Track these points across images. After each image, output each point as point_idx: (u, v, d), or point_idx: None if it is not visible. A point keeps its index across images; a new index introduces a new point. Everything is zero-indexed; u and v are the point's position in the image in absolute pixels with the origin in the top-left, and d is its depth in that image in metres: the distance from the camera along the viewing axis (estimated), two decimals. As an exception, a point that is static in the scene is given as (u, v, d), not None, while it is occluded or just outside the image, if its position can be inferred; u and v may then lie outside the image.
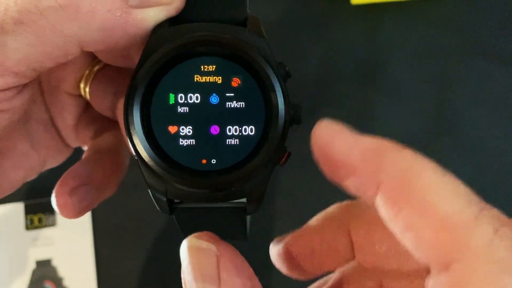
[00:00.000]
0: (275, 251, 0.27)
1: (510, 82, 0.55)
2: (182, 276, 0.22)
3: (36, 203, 0.53)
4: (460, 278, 0.16)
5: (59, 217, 0.53)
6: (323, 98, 0.56)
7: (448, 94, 0.55)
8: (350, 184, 0.19)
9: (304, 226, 0.26)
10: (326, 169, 0.20)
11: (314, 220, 0.27)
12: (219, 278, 0.21)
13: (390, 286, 0.24)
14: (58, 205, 0.27)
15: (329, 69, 0.56)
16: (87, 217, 0.54)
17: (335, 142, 0.19)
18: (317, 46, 0.56)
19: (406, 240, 0.17)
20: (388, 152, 0.18)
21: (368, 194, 0.18)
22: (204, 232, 0.22)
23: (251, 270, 0.22)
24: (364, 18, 0.57)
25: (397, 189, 0.17)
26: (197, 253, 0.21)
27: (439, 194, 0.17)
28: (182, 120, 0.24)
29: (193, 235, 0.22)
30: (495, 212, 0.17)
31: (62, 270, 0.53)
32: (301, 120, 0.25)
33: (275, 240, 0.27)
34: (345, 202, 0.26)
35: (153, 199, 0.25)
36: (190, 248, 0.22)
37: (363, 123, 0.55)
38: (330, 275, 0.27)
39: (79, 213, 0.27)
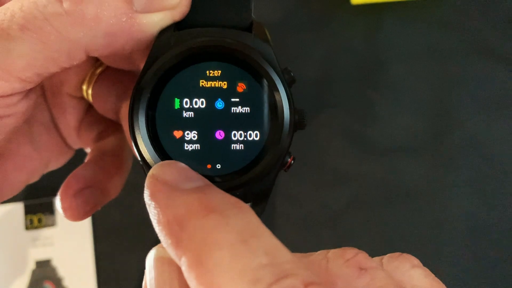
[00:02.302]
0: None
1: (510, 82, 0.55)
2: None
3: (36, 203, 0.53)
4: None
5: (59, 217, 0.53)
6: (323, 98, 0.56)
7: (448, 94, 0.55)
8: (162, 242, 0.18)
9: None
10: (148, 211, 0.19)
11: None
12: None
13: None
14: (63, 208, 0.27)
15: (329, 69, 0.56)
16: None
17: (154, 196, 0.19)
18: (317, 46, 0.56)
19: None
20: (190, 221, 0.17)
21: (176, 261, 0.18)
22: None
23: None
24: (364, 18, 0.57)
25: (191, 268, 0.16)
26: (167, 266, 0.19)
27: (226, 275, 0.15)
28: (187, 125, 0.24)
29: (159, 245, 0.20)
30: (286, 284, 0.15)
31: (62, 270, 0.53)
32: (305, 125, 0.25)
33: None
34: None
35: None
36: (157, 260, 0.19)
37: (363, 123, 0.55)
38: None
39: (83, 215, 0.27)
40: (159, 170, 0.20)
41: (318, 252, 0.20)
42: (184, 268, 0.16)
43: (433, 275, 0.19)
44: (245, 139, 0.24)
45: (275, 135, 0.24)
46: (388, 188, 0.54)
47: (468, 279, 0.51)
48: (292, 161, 0.25)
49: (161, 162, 0.21)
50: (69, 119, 0.30)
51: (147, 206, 0.19)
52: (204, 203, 0.17)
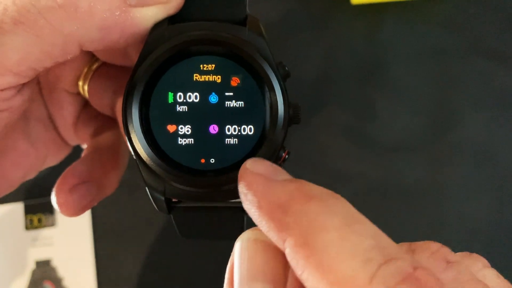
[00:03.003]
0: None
1: (510, 82, 0.55)
2: (228, 275, 0.20)
3: (35, 203, 0.53)
4: None
5: (59, 217, 0.53)
6: (323, 98, 0.56)
7: (448, 94, 0.55)
8: (260, 227, 0.19)
9: None
10: (243, 202, 0.20)
11: None
12: (285, 283, 0.18)
13: None
14: (58, 203, 0.27)
15: (329, 69, 0.56)
16: (87, 217, 0.54)
17: (251, 187, 0.19)
18: (317, 46, 0.56)
19: None
20: (293, 206, 0.18)
21: (278, 245, 0.18)
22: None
23: None
24: (364, 18, 0.57)
25: (298, 249, 0.17)
26: (264, 249, 0.19)
27: (337, 255, 0.16)
28: (181, 119, 0.24)
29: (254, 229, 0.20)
30: (397, 265, 0.16)
31: (62, 270, 0.53)
32: (300, 119, 0.25)
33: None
34: None
35: (151, 198, 0.25)
36: (252, 242, 0.19)
37: (363, 123, 0.55)
38: None
39: (79, 211, 0.27)
40: (252, 163, 0.20)
41: (400, 243, 0.20)
42: (289, 250, 0.17)
43: (502, 277, 0.20)
44: (239, 133, 0.24)
45: (269, 129, 0.24)
46: (387, 187, 0.54)
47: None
48: (287, 156, 0.25)
49: (252, 158, 0.21)
50: (66, 115, 0.30)
51: (242, 196, 0.20)
52: (303, 191, 0.18)
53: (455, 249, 0.20)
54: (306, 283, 0.16)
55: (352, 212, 0.17)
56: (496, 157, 0.54)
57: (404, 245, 0.20)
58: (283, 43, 0.56)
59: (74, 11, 0.21)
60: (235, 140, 0.24)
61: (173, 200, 0.25)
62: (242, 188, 0.20)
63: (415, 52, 0.56)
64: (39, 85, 0.29)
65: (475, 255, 0.21)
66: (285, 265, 0.18)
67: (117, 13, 0.22)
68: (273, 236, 0.18)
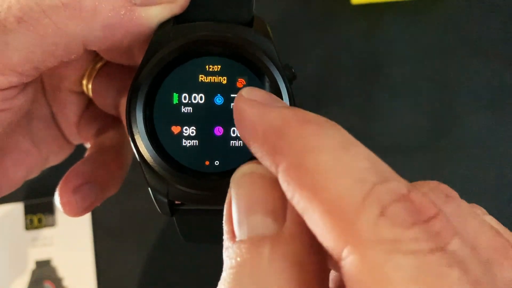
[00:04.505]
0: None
1: (510, 81, 0.55)
2: (227, 211, 0.19)
3: (36, 203, 0.53)
4: (354, 267, 0.14)
5: (59, 217, 0.53)
6: (323, 98, 0.56)
7: (448, 94, 0.55)
8: (254, 153, 0.18)
9: None
10: (238, 129, 0.19)
11: None
12: (284, 214, 0.17)
13: None
14: (62, 203, 0.27)
15: (329, 69, 0.56)
16: (87, 218, 0.53)
17: (246, 111, 0.18)
18: (317, 46, 0.56)
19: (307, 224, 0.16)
20: (288, 129, 0.17)
21: (272, 170, 0.17)
22: None
23: None
24: (364, 18, 0.57)
25: (290, 171, 0.16)
26: (260, 181, 0.18)
27: (330, 174, 0.15)
28: (186, 120, 0.23)
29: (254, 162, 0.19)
30: (392, 185, 0.15)
31: (62, 270, 0.53)
32: None
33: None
34: None
35: (154, 200, 0.24)
36: (248, 175, 0.18)
37: (363, 122, 0.55)
38: None
39: (82, 211, 0.27)
40: (248, 90, 0.19)
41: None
42: (281, 174, 0.16)
43: (501, 224, 0.19)
44: None
45: None
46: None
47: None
48: None
49: (248, 87, 0.20)
50: (69, 114, 0.30)
51: (237, 123, 0.19)
52: (299, 116, 0.17)
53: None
54: (297, 206, 0.16)
55: (348, 137, 0.17)
56: (497, 157, 0.54)
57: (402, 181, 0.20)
58: (283, 43, 0.56)
59: (78, 10, 0.21)
60: (240, 143, 0.24)
61: (176, 202, 0.25)
62: (237, 115, 0.19)
63: (415, 52, 0.56)
64: (42, 84, 0.29)
65: (474, 204, 0.20)
66: (283, 196, 0.17)
67: (122, 12, 0.22)
68: (267, 162, 0.17)
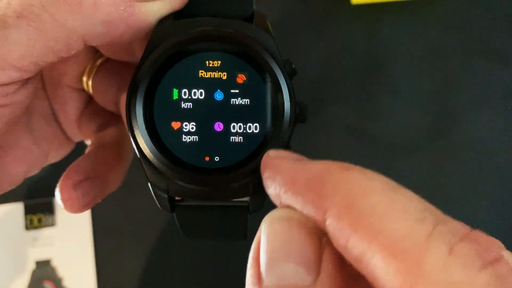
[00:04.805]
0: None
1: (510, 81, 0.55)
2: (254, 254, 0.18)
3: (36, 203, 0.53)
4: None
5: (59, 217, 0.53)
6: (323, 97, 0.56)
7: (448, 94, 0.55)
8: (292, 204, 0.18)
9: None
10: (270, 185, 0.19)
11: None
12: (319, 266, 0.17)
13: None
14: (63, 199, 0.27)
15: (329, 69, 0.56)
16: (87, 217, 0.53)
17: (282, 166, 0.19)
18: (317, 46, 0.56)
19: (363, 271, 0.15)
20: (332, 175, 0.17)
21: (316, 218, 0.17)
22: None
23: None
24: (364, 18, 0.57)
25: (341, 216, 0.16)
26: (298, 228, 0.17)
27: (387, 216, 0.15)
28: (186, 116, 0.23)
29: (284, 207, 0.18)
30: (452, 225, 0.15)
31: (62, 270, 0.53)
32: (306, 118, 0.24)
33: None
34: None
35: (154, 196, 0.24)
36: (284, 220, 0.18)
37: (363, 122, 0.55)
38: None
39: (83, 208, 0.27)
40: (276, 152, 0.20)
41: None
42: (332, 219, 0.16)
43: None
44: (245, 131, 0.23)
45: (275, 127, 0.23)
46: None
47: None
48: None
49: (274, 149, 0.21)
50: (69, 111, 0.30)
51: (268, 181, 0.19)
52: (339, 164, 0.17)
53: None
54: (352, 252, 0.15)
55: (390, 180, 0.17)
56: (497, 157, 0.54)
57: None
58: (283, 42, 0.56)
59: (78, 5, 0.21)
60: (240, 138, 0.23)
61: (176, 198, 0.25)
62: (269, 173, 0.19)
63: (415, 52, 0.56)
64: (42, 80, 0.29)
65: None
66: (319, 247, 0.16)
67: (121, 8, 0.22)
68: (310, 210, 0.17)
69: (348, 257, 0.16)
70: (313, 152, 0.57)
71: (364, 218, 0.15)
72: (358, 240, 0.15)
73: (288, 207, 0.18)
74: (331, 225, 0.16)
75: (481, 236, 0.15)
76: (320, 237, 0.17)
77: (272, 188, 0.19)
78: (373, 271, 0.15)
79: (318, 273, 0.16)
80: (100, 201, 0.28)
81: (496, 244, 0.15)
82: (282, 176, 0.18)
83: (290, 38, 0.56)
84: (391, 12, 0.57)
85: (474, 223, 0.50)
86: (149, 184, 0.24)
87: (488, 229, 0.52)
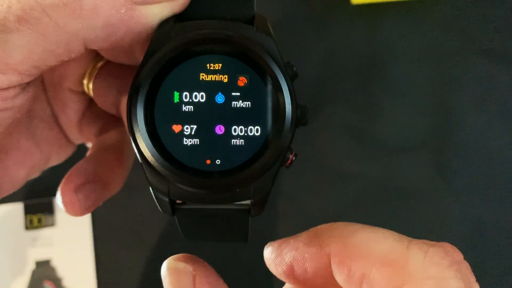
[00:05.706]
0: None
1: (510, 82, 0.55)
2: None
3: (35, 203, 0.53)
4: None
5: (59, 218, 0.53)
6: (323, 97, 0.56)
7: (448, 94, 0.55)
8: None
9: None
10: (274, 264, 0.24)
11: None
12: None
13: None
14: (64, 202, 0.27)
15: (329, 69, 0.56)
16: (87, 217, 0.53)
17: (283, 252, 0.23)
18: (317, 46, 0.56)
19: (364, 286, 0.20)
20: (325, 230, 0.22)
21: (323, 261, 0.22)
22: (181, 254, 0.25)
23: (225, 286, 0.24)
24: (364, 18, 0.57)
25: (342, 252, 0.21)
26: (175, 273, 0.24)
27: (373, 242, 0.21)
28: (187, 119, 0.23)
29: (171, 257, 0.25)
30: (422, 240, 0.20)
31: (62, 270, 0.53)
32: (307, 121, 0.24)
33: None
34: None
35: (155, 199, 0.24)
36: (169, 269, 0.24)
37: (363, 122, 0.55)
38: None
39: (85, 211, 0.27)
40: (272, 243, 0.24)
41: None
42: (334, 257, 0.21)
43: None
44: (246, 134, 0.23)
45: (276, 130, 0.23)
46: (389, 187, 0.54)
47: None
48: (294, 158, 0.24)
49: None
50: (70, 114, 0.29)
51: (272, 262, 0.24)
52: (325, 224, 0.23)
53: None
54: (355, 275, 0.21)
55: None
56: (497, 157, 0.54)
57: None
58: (283, 43, 0.56)
59: (78, 9, 0.21)
60: (241, 141, 0.23)
61: (177, 201, 0.24)
62: (272, 254, 0.24)
63: (415, 52, 0.56)
64: (43, 84, 0.29)
65: None
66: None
67: (122, 11, 0.22)
68: (315, 255, 0.22)
69: (350, 282, 0.21)
70: (311, 153, 0.57)
71: (357, 248, 0.21)
72: (360, 263, 0.21)
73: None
74: (335, 261, 0.21)
75: (446, 244, 0.20)
76: (192, 274, 0.24)
77: (277, 269, 0.24)
78: (372, 282, 0.20)
79: None
80: (101, 204, 0.28)
81: (458, 251, 0.20)
82: (289, 246, 0.23)
83: (290, 38, 0.56)
84: (391, 12, 0.57)
85: (474, 222, 0.50)
86: (150, 187, 0.24)
87: (488, 229, 0.52)
